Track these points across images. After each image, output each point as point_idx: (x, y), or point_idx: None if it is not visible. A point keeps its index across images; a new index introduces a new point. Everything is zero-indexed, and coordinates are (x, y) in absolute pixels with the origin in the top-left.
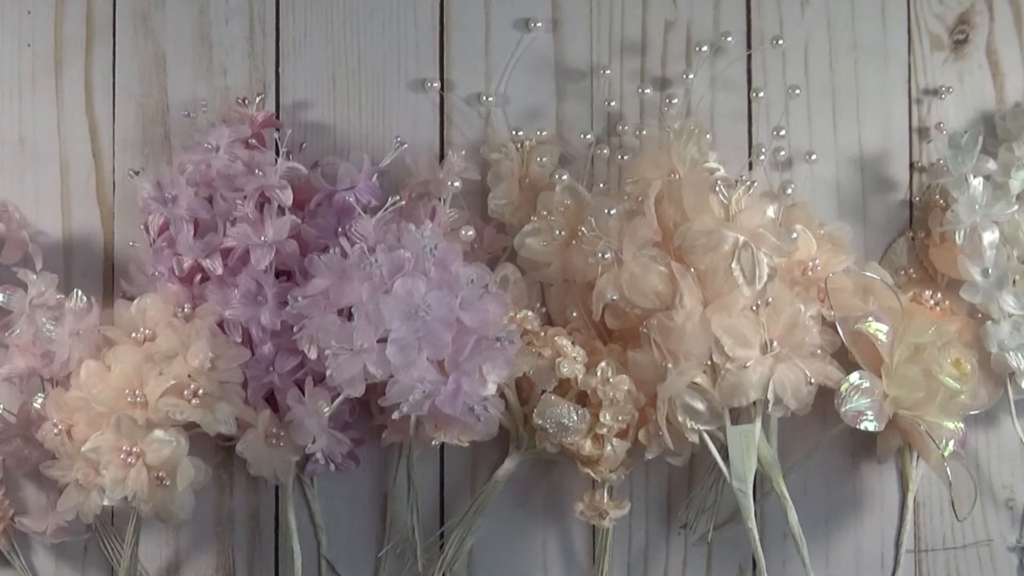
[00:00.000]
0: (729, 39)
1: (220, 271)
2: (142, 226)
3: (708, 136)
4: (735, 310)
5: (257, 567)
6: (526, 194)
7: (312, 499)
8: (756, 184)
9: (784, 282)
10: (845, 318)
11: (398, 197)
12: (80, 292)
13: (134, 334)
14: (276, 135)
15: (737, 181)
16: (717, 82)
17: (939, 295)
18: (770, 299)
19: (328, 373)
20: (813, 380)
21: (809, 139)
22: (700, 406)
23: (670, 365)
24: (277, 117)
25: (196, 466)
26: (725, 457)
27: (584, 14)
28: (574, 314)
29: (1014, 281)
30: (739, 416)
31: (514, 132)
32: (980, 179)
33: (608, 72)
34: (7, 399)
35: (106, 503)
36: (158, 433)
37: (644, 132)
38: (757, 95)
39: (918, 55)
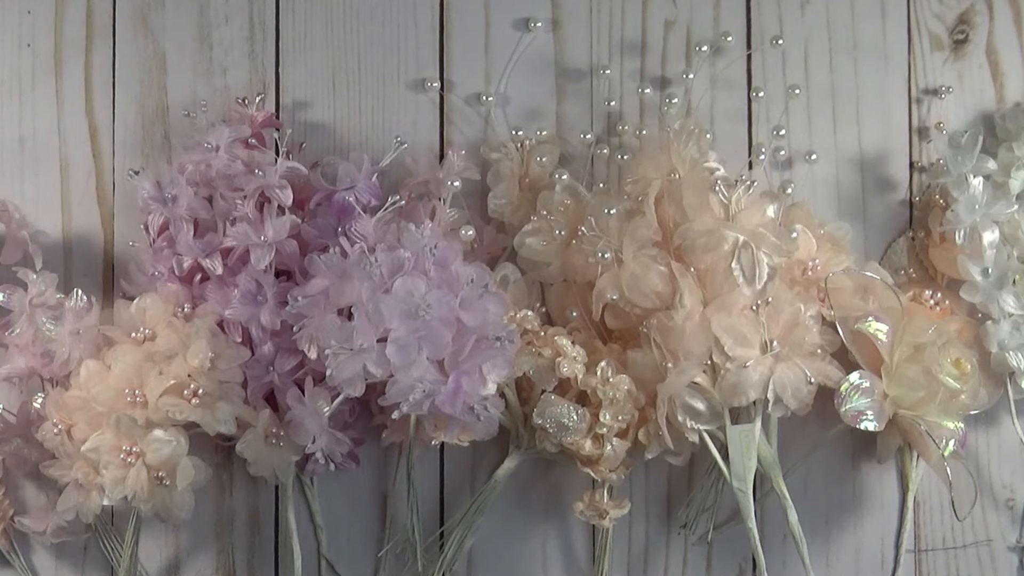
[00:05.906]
0: (729, 39)
1: (220, 271)
2: (142, 226)
3: (708, 136)
4: (735, 310)
5: (257, 567)
6: (526, 194)
7: (312, 499)
8: (756, 184)
9: (784, 282)
10: (845, 318)
11: (398, 197)
12: (80, 292)
13: (134, 334)
14: (276, 135)
15: (737, 181)
16: (717, 82)
17: (939, 295)
18: (770, 299)
19: (328, 373)
20: (813, 380)
21: (809, 139)
22: (700, 406)
23: (670, 365)
24: (277, 117)
25: (196, 466)
26: (725, 457)
27: (584, 14)
28: (574, 314)
29: (1014, 281)
30: (739, 416)
31: (514, 132)
32: (980, 179)
33: (608, 72)
34: (7, 399)
35: (106, 503)
36: (158, 433)
37: (644, 132)
38: (757, 95)
39: (918, 55)
